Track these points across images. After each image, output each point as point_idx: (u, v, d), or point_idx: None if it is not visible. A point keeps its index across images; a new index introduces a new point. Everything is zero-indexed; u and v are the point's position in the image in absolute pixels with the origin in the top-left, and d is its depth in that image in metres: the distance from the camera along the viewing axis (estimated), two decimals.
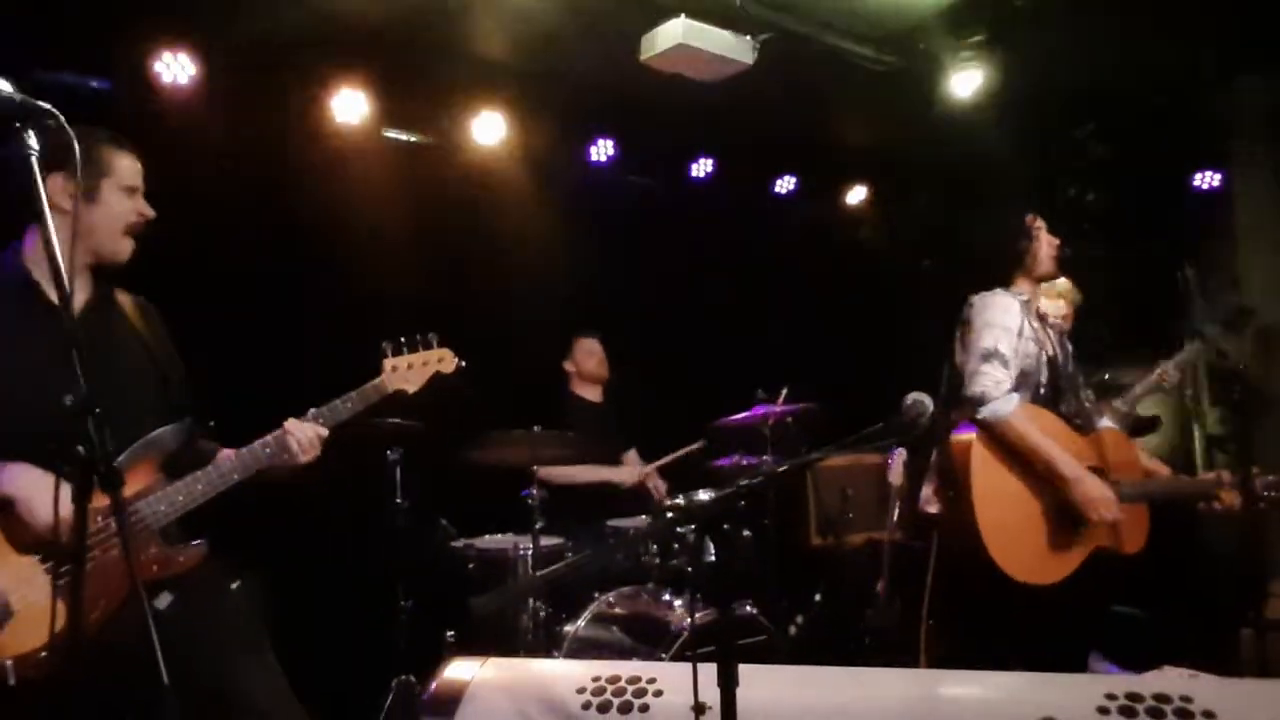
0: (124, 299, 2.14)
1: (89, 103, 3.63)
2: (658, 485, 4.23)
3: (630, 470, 4.22)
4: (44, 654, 1.75)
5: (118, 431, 1.92)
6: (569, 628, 3.33)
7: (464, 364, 2.38)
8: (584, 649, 3.25)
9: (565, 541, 3.69)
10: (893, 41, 4.29)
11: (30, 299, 1.95)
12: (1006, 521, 2.47)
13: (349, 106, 4.14)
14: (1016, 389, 2.54)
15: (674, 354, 4.86)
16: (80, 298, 2.03)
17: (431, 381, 2.33)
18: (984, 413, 2.48)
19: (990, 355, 2.52)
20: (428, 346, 2.32)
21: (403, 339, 2.31)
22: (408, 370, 2.29)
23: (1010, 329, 2.57)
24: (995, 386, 2.48)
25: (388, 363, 2.28)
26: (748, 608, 3.28)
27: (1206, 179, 5.21)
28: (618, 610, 3.35)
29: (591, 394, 4.38)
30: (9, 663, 1.74)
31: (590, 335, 4.39)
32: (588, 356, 4.34)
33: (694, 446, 4.15)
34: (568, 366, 4.38)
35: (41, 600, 1.80)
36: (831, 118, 4.80)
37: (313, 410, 2.17)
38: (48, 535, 1.80)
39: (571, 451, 3.81)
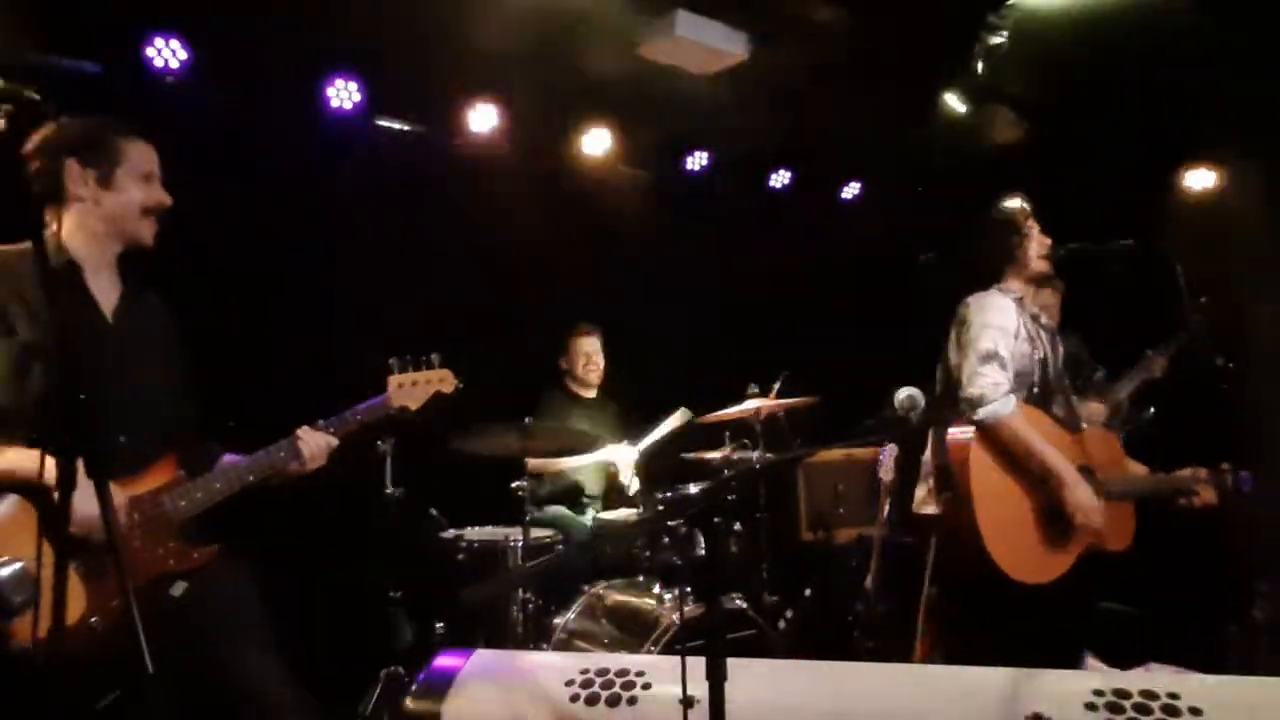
0: (152, 299, 2.17)
1: (80, 88, 3.59)
2: (632, 480, 4.20)
3: (620, 451, 4.16)
4: (70, 634, 1.74)
5: (139, 427, 1.98)
6: (558, 620, 3.33)
7: (462, 385, 2.47)
8: (573, 641, 3.25)
9: (555, 533, 3.68)
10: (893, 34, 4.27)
11: (71, 283, 1.97)
12: (1005, 521, 2.48)
13: (341, 93, 4.12)
14: (1013, 390, 2.55)
15: (667, 348, 4.85)
16: (114, 294, 2.07)
17: (432, 400, 2.42)
18: (982, 414, 2.48)
19: (989, 357, 2.51)
20: (430, 366, 2.42)
21: (408, 357, 2.40)
22: (412, 387, 2.38)
23: (1007, 330, 2.57)
24: (994, 388, 2.48)
25: (393, 380, 2.36)
26: (737, 602, 3.28)
27: (1199, 177, 5.23)
28: (607, 603, 3.35)
29: (584, 391, 4.37)
30: (32, 646, 1.73)
31: (588, 332, 4.34)
32: (580, 358, 4.31)
33: (677, 421, 4.11)
34: (562, 364, 4.35)
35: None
36: (829, 112, 4.79)
37: (321, 420, 2.22)
38: (67, 524, 1.79)
39: (562, 444, 3.80)
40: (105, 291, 2.04)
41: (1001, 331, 2.56)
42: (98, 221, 2.01)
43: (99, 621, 1.79)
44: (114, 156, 2.02)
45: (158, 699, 1.40)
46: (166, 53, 3.67)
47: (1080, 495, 2.49)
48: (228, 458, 2.15)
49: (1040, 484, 2.53)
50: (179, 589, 1.95)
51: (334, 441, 2.19)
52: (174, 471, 2.01)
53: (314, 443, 2.14)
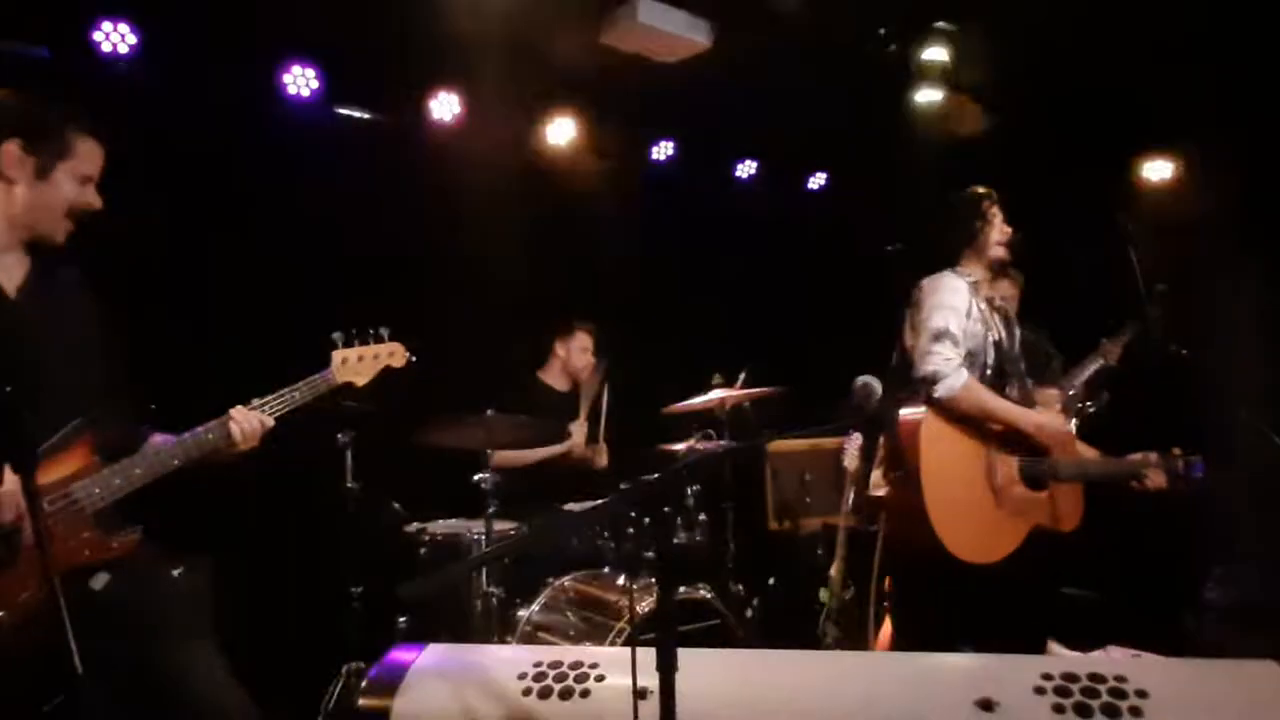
0: (66, 275, 2.07)
1: (26, 72, 3.50)
2: (598, 454, 4.17)
3: (578, 432, 4.12)
4: None
5: (53, 412, 1.89)
6: (523, 612, 3.31)
7: (414, 358, 2.38)
8: (537, 634, 3.23)
9: (519, 526, 3.65)
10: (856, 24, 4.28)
11: None
12: (952, 500, 2.50)
13: (298, 80, 4.04)
14: (964, 366, 2.57)
15: (631, 337, 4.83)
16: (18, 273, 1.97)
17: (381, 375, 2.33)
18: (939, 391, 2.50)
19: (941, 335, 2.54)
20: (379, 340, 2.32)
21: (354, 330, 2.30)
22: (358, 362, 2.28)
23: (959, 309, 2.60)
24: (946, 364, 2.51)
25: (337, 355, 2.27)
26: (703, 592, 3.28)
27: (1156, 169, 5.30)
28: (572, 594, 3.34)
29: (559, 383, 4.33)
30: None
31: (589, 330, 4.29)
32: (577, 351, 4.27)
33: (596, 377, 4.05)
34: (559, 349, 4.30)
35: None
36: (795, 101, 4.78)
37: (256, 399, 2.13)
38: None
39: (526, 435, 3.77)
40: (9, 269, 1.96)
41: (953, 311, 2.59)
42: (18, 208, 1.93)
43: (8, 617, 1.72)
44: (60, 149, 1.94)
45: (92, 697, 1.37)
46: (115, 37, 3.58)
47: (1048, 427, 2.59)
48: (156, 439, 2.05)
49: (989, 461, 2.56)
50: (100, 581, 1.88)
51: (269, 422, 2.09)
52: (89, 457, 1.92)
53: (246, 423, 2.04)
